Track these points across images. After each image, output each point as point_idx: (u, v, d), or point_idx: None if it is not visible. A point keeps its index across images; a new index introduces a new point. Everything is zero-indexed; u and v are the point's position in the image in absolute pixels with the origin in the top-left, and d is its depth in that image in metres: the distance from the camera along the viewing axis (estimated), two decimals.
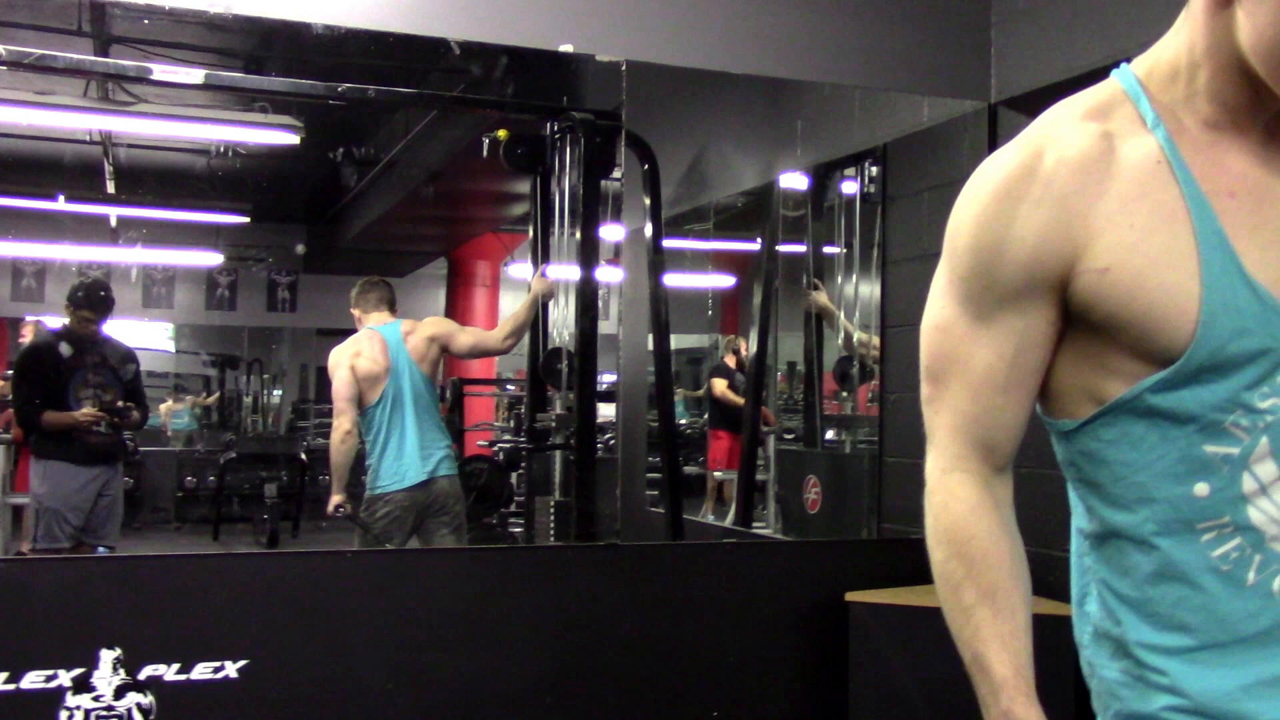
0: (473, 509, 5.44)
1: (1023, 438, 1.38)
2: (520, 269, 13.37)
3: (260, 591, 3.31)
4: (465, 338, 5.22)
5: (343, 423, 4.90)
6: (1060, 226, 1.27)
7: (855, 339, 5.00)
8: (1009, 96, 3.94)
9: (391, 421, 4.95)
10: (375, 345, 5.03)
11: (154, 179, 10.42)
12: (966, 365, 1.36)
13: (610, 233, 5.08)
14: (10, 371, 6.26)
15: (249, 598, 3.30)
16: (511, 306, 11.28)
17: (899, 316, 4.45)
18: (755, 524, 5.58)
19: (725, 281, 7.54)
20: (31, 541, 5.50)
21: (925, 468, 1.40)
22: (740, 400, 6.78)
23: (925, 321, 1.40)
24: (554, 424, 4.94)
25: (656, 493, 5.46)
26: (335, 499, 4.92)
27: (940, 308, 1.39)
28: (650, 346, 5.06)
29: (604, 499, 4.57)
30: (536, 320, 5.13)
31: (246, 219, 10.53)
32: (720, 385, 7.43)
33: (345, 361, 4.99)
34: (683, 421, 7.82)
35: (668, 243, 5.20)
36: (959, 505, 1.34)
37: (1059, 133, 1.30)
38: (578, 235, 4.73)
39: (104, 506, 5.62)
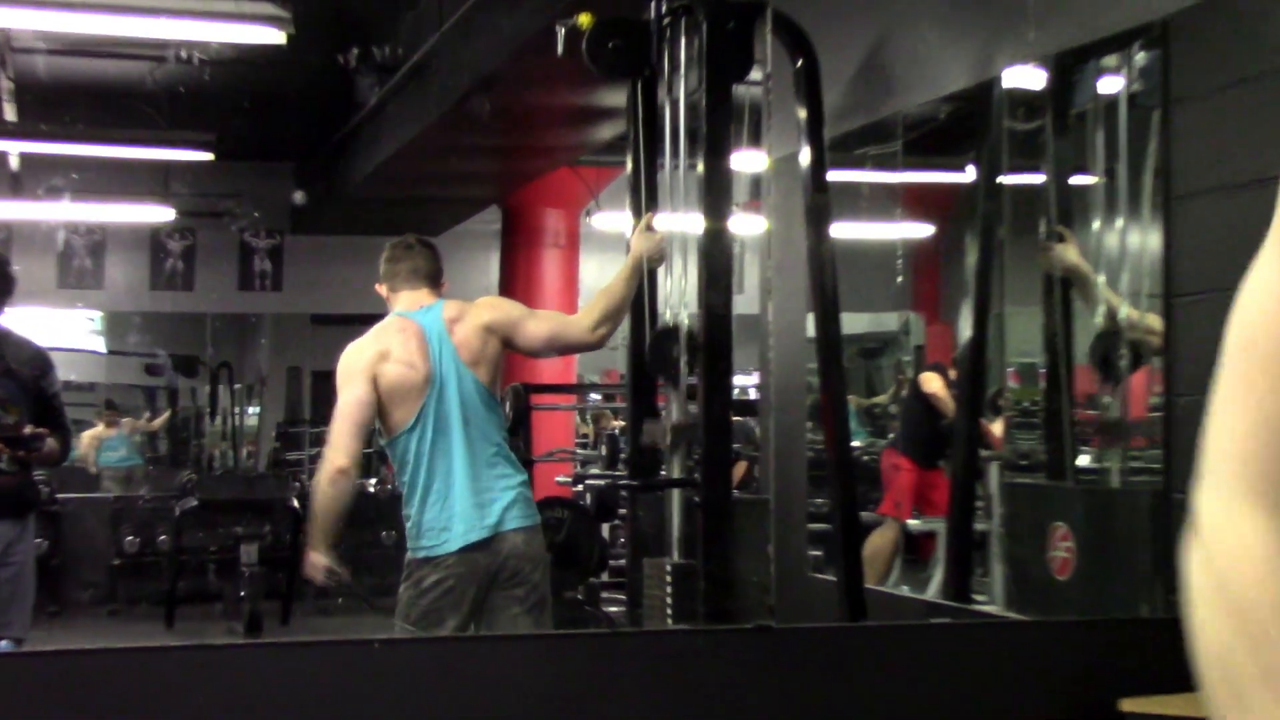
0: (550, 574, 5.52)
1: None
2: (610, 220, 13.48)
3: (246, 699, 3.33)
4: (537, 327, 5.28)
5: (337, 458, 5.07)
6: None
7: (1122, 316, 4.96)
8: None
9: (435, 453, 5.09)
10: (410, 343, 5.17)
11: (76, 100, 10.61)
12: None
13: (748, 163, 5.22)
14: None
15: (229, 709, 3.31)
16: (599, 278, 11.22)
17: (1193, 279, 4.40)
18: (975, 596, 5.60)
19: (920, 232, 7.46)
20: None
21: (1197, 497, 1.40)
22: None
23: (1245, 286, 1.41)
24: (668, 440, 5.01)
25: (821, 553, 5.66)
26: (316, 559, 5.11)
27: (1264, 261, 1.40)
28: (810, 332, 5.15)
29: (748, 559, 4.74)
30: (640, 298, 5.17)
31: (209, 156, 10.67)
32: (935, 381, 7.48)
33: (363, 371, 5.13)
34: (857, 444, 7.70)
35: (833, 176, 5.17)
36: (1245, 553, 1.34)
37: None
38: (699, 168, 4.71)
39: (5, 580, 5.73)
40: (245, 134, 11.51)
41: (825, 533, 5.45)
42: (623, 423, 8.89)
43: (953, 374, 6.49)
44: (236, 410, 15.24)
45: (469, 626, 5.02)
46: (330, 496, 5.04)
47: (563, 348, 5.59)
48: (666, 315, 5.11)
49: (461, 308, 5.24)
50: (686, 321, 4.96)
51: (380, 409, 5.13)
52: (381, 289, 5.36)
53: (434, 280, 5.34)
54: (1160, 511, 4.51)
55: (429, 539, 5.07)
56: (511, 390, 7.64)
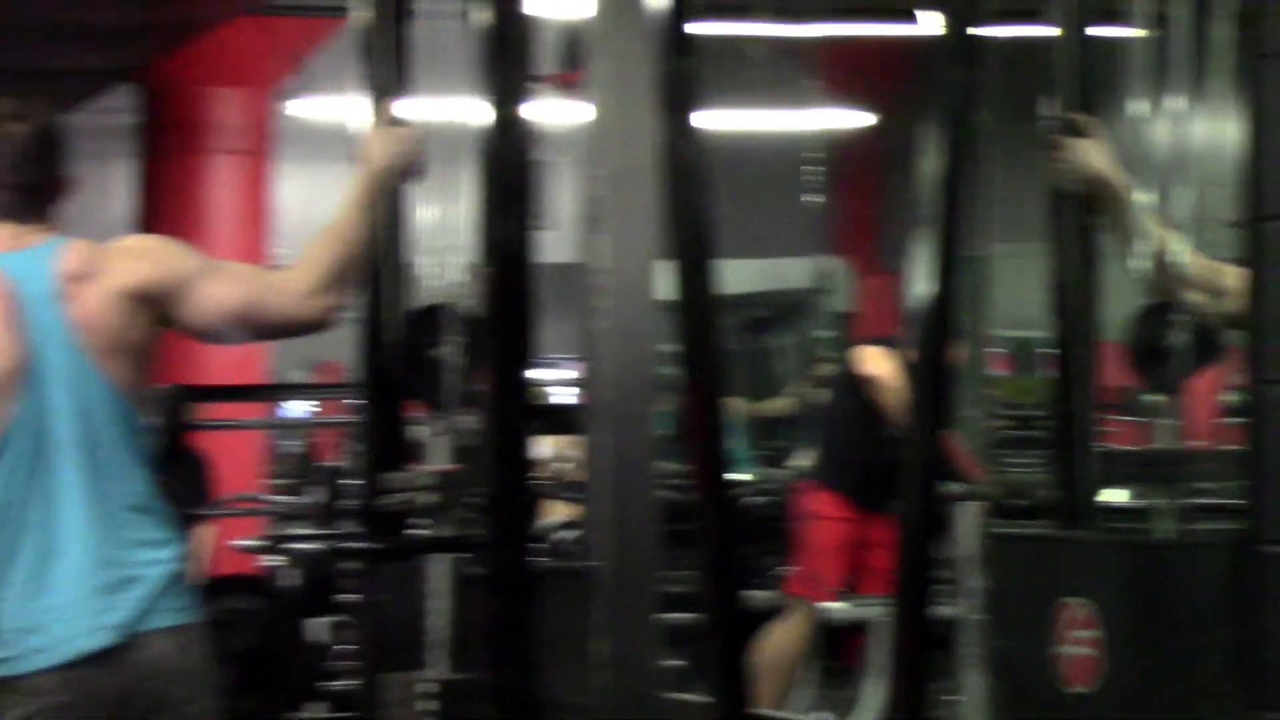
0: (230, 701, 4.92)
1: None
2: (326, 106, 11.83)
3: None
4: (220, 291, 4.36)
5: None
6: None
7: (1178, 259, 4.40)
8: None
9: (24, 501, 4.16)
10: None
11: None
12: None
13: (560, 7, 5.06)
14: None
15: None
16: (310, 206, 9.80)
17: None
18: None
19: (849, 122, 7.16)
20: None
21: None
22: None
23: None
24: (433, 493, 4.72)
25: (687, 661, 5.13)
26: None
27: None
28: (665, 293, 4.65)
29: (564, 669, 4.59)
30: (385, 242, 4.81)
31: None
32: (878, 362, 6.99)
33: None
34: (744, 476, 7.62)
35: (701, 28, 4.52)
36: None
37: None
38: (475, 16, 4.45)
39: None
40: None
41: (691, 626, 4.95)
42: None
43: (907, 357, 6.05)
44: None
45: None
46: None
47: (261, 326, 4.51)
48: (424, 272, 4.88)
49: (90, 256, 4.22)
50: (461, 280, 4.67)
51: None
52: None
53: (35, 197, 4.23)
54: (1241, 576, 3.83)
55: (3, 647, 4.08)
56: (165, 392, 6.74)
